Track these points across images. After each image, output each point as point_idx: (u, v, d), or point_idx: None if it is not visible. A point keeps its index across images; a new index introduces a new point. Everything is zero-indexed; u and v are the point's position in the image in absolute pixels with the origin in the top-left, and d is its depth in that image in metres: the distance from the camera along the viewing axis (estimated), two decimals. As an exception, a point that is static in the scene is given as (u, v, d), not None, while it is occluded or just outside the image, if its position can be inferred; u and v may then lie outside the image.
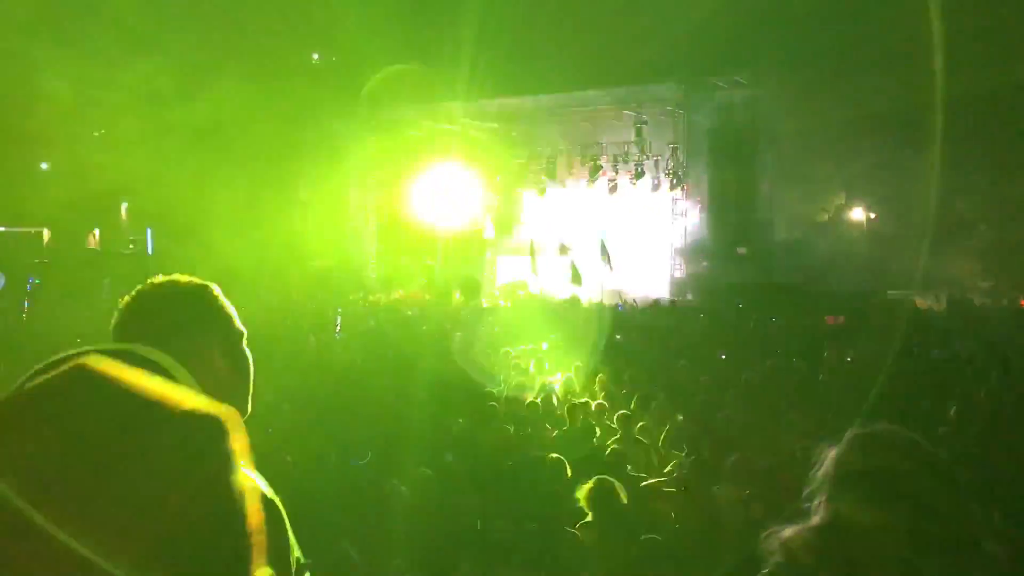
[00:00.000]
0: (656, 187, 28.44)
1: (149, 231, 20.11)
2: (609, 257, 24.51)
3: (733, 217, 26.55)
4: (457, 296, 25.59)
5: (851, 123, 36.09)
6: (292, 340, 13.93)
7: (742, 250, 26.23)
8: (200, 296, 1.93)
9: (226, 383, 1.85)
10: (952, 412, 7.55)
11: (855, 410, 8.88)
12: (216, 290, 1.96)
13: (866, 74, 33.61)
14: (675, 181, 27.91)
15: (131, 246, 38.01)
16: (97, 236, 45.07)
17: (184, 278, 1.94)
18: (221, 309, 1.94)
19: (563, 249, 26.85)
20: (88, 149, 44.19)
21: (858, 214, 38.58)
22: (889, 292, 26.40)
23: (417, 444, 7.22)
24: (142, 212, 39.71)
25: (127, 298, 1.88)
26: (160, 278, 1.93)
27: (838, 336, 14.90)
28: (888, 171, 36.72)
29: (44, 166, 47.65)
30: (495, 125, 30.63)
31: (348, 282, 27.89)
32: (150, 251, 19.45)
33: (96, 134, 46.13)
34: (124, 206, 45.66)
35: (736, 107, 26.47)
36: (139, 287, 1.90)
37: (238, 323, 1.96)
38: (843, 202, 39.12)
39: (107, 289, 29.34)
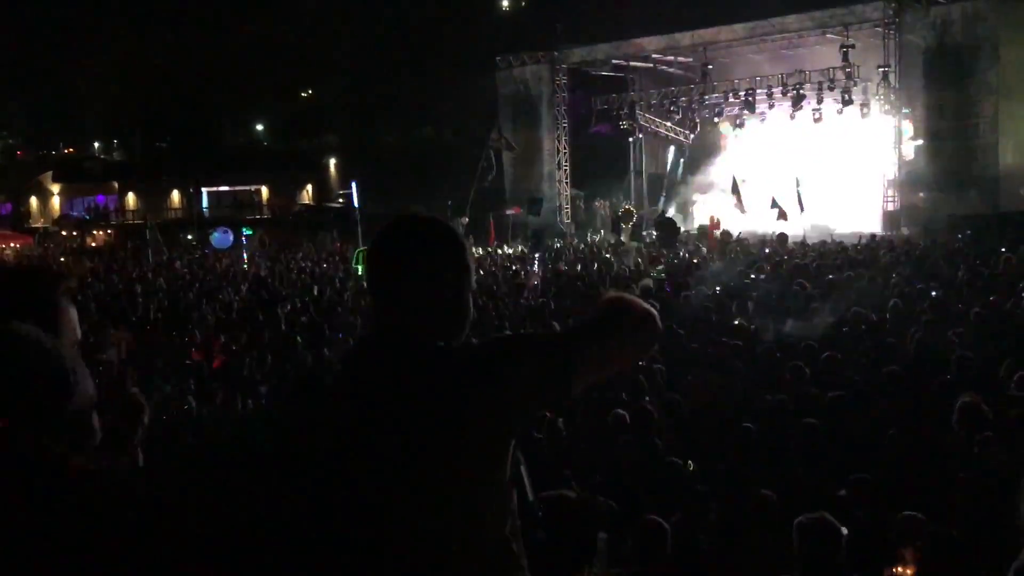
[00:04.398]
0: (866, 114, 26.75)
1: (354, 184, 21.02)
2: (801, 199, 23.34)
3: (953, 143, 24.58)
4: (653, 237, 25.23)
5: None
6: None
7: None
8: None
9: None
10: None
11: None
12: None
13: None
14: (887, 107, 26.11)
15: (339, 200, 40.15)
16: (310, 191, 47.93)
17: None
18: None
19: (734, 187, 25.80)
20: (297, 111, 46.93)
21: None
22: None
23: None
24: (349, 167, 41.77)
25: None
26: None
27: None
28: None
29: (259, 127, 51.08)
30: (690, 59, 29.66)
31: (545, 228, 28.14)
32: (356, 204, 20.34)
33: (304, 96, 48.86)
34: (332, 162, 48.21)
35: (954, 22, 24.35)
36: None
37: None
38: (1082, 120, 35.35)
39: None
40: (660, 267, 16.97)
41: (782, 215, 23.47)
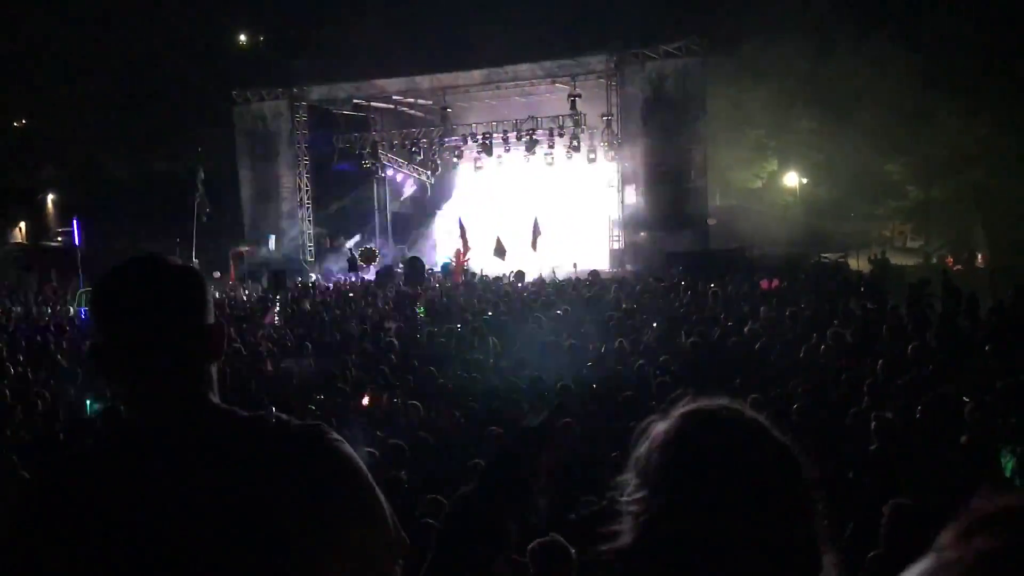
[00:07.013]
0: (592, 159, 28.53)
1: (76, 222, 19.59)
2: (534, 238, 24.58)
3: (668, 187, 26.76)
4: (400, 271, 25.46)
5: (781, 90, 36.63)
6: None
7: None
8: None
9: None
10: (879, 367, 7.74)
11: (792, 372, 9.08)
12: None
13: (792, 41, 34.08)
14: (611, 153, 28.02)
15: (59, 238, 37.13)
16: (23, 229, 43.81)
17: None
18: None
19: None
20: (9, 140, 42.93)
21: (791, 180, 39.22)
22: (823, 255, 26.96)
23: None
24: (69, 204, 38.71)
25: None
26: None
27: (774, 300, 15.14)
28: (819, 136, 37.37)
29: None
30: (429, 102, 30.37)
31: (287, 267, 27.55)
32: (77, 243, 18.94)
33: (16, 124, 44.83)
34: (51, 198, 44.42)
35: (667, 76, 26.62)
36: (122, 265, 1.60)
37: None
38: (776, 168, 39.75)
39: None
40: (420, 305, 17.15)
41: (500, 252, 24.51)
